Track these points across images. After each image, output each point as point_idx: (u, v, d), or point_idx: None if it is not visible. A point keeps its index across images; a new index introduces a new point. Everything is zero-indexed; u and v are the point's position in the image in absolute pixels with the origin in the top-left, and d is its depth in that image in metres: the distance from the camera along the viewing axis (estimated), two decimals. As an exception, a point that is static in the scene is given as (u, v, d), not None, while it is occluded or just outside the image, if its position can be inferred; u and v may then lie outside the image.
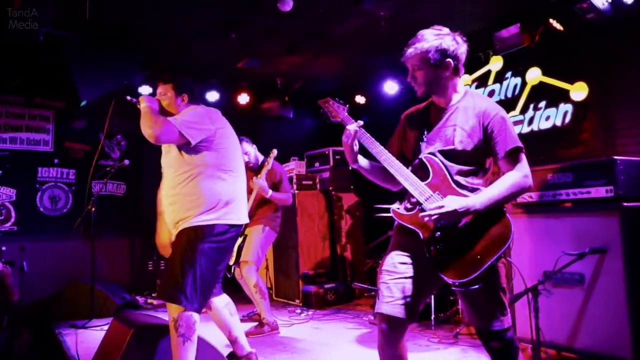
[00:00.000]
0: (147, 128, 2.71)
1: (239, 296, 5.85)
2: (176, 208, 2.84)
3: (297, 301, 5.84)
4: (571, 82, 4.70)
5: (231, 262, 4.66)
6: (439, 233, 1.96)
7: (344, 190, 6.50)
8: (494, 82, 5.49)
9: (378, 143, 2.14)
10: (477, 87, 5.65)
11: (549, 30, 4.76)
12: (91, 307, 5.03)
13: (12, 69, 5.75)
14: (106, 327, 3.34)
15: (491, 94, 5.49)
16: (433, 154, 2.07)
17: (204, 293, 2.74)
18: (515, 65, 5.25)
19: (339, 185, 6.46)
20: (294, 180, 6.27)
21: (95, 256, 5.23)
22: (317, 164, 6.68)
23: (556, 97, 4.84)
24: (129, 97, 3.02)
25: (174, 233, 2.88)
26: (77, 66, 5.29)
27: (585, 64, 4.68)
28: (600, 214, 3.06)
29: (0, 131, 6.00)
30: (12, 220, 6.00)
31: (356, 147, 2.16)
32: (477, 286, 1.90)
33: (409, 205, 2.09)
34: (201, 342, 2.94)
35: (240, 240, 4.59)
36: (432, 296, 4.45)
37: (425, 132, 2.12)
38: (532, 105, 5.07)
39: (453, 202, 1.90)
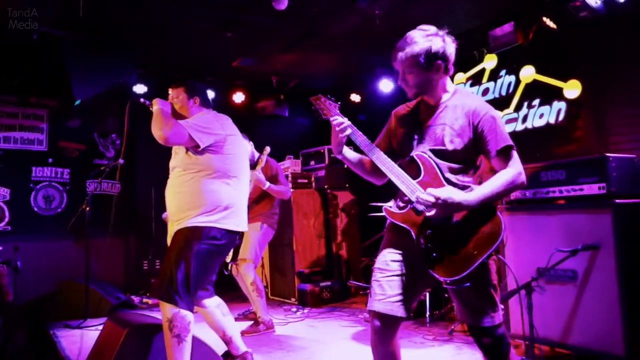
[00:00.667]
0: (157, 129, 2.74)
1: (235, 294, 5.87)
2: (176, 206, 2.87)
3: (293, 299, 5.85)
4: (565, 80, 4.71)
5: (228, 260, 4.65)
6: (430, 231, 1.96)
7: (339, 189, 6.51)
8: (489, 80, 5.50)
9: (369, 141, 2.14)
10: (471, 85, 5.67)
11: (543, 29, 4.77)
12: (86, 307, 5.02)
13: (5, 68, 5.73)
14: (101, 327, 3.34)
15: (485, 92, 5.50)
16: (424, 152, 2.07)
17: (194, 294, 2.76)
18: (510, 63, 5.26)
19: (334, 184, 6.46)
20: (290, 178, 6.27)
21: (89, 256, 5.21)
22: (312, 163, 6.68)
23: (550, 95, 4.86)
24: (142, 100, 3.08)
25: (172, 230, 2.90)
26: (71, 65, 5.27)
27: (578, 62, 4.69)
28: (593, 210, 3.08)
29: (-6, 130, 5.98)
30: (6, 219, 5.97)
31: (344, 139, 2.16)
32: (468, 284, 1.91)
33: (401, 204, 2.10)
34: (196, 341, 2.94)
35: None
36: (427, 293, 4.46)
37: (416, 130, 2.13)
38: (526, 103, 5.08)
39: (445, 194, 1.89)
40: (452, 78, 5.41)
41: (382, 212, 2.14)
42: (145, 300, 6.06)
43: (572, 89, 4.65)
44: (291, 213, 6.05)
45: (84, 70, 5.21)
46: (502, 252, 3.45)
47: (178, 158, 2.97)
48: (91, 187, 6.36)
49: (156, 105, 2.89)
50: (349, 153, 2.25)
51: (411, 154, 2.09)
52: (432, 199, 1.89)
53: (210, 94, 6.90)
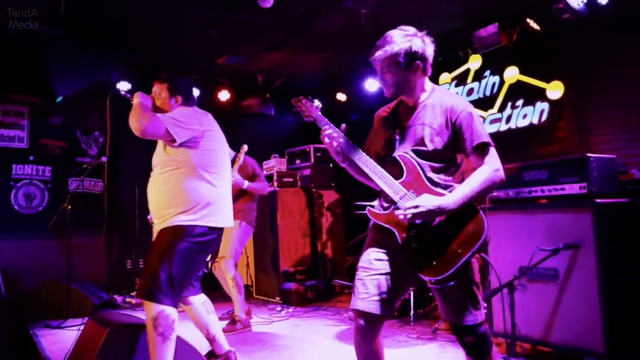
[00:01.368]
0: (134, 121, 2.73)
1: (218, 293, 5.84)
2: (158, 205, 2.86)
3: (278, 298, 5.83)
4: (547, 81, 4.77)
5: (208, 258, 4.63)
6: (414, 231, 1.97)
7: (324, 188, 6.51)
8: (473, 80, 5.54)
9: (352, 142, 2.14)
10: (456, 86, 5.71)
11: (527, 30, 4.82)
12: (67, 306, 4.96)
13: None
14: (82, 327, 3.29)
15: (470, 92, 5.54)
16: (406, 152, 2.08)
17: (178, 292, 2.74)
18: (494, 64, 5.32)
19: (319, 183, 6.46)
20: (275, 177, 6.25)
21: (71, 255, 5.14)
22: (298, 161, 6.67)
23: (533, 95, 4.92)
24: (123, 92, 3.07)
25: (156, 230, 2.88)
26: (53, 61, 5.20)
27: (561, 64, 4.76)
28: (574, 210, 3.12)
29: (-27, 127, 5.87)
30: (-14, 218, 5.87)
31: (339, 147, 2.14)
32: (452, 283, 1.92)
33: (384, 204, 2.11)
34: (179, 340, 2.92)
35: None
36: (412, 292, 4.48)
37: (397, 131, 2.14)
38: (510, 104, 5.13)
39: (428, 201, 1.91)
40: (437, 78, 5.44)
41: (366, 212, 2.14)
42: (128, 299, 6.00)
43: (555, 90, 4.71)
44: (276, 212, 6.03)
45: (65, 66, 5.14)
46: (485, 251, 3.48)
47: (157, 155, 2.95)
48: (73, 185, 6.27)
49: (137, 99, 2.88)
50: (350, 161, 2.21)
51: (393, 155, 2.10)
52: (412, 211, 1.90)
53: (195, 92, 6.85)
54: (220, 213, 2.90)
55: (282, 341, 4.14)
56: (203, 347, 3.21)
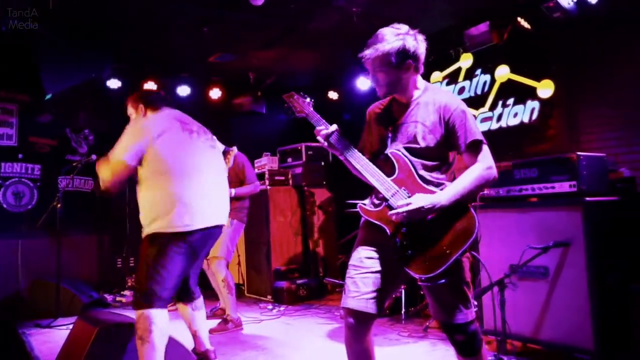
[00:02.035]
0: (105, 185, 2.80)
1: (208, 293, 5.81)
2: (142, 219, 2.86)
3: (269, 297, 5.82)
4: (538, 80, 4.79)
5: None
6: (405, 229, 1.97)
7: (316, 186, 6.50)
8: (464, 79, 5.55)
9: (345, 139, 2.13)
10: (447, 84, 5.72)
11: (518, 29, 4.84)
12: (57, 305, 4.92)
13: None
14: (72, 326, 3.27)
15: (461, 90, 5.55)
16: (398, 149, 2.07)
17: (166, 296, 2.74)
18: (485, 62, 5.32)
19: (311, 181, 6.45)
20: (266, 175, 6.24)
21: (61, 253, 5.10)
22: (289, 160, 6.66)
23: (524, 94, 4.93)
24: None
25: None
26: (42, 58, 5.14)
27: (551, 62, 4.78)
28: (564, 208, 3.14)
29: (-39, 125, 5.80)
30: (-26, 216, 5.81)
31: (333, 143, 2.12)
32: (443, 281, 1.92)
33: (376, 201, 2.10)
34: (171, 341, 2.90)
35: None
36: (403, 290, 4.49)
37: (390, 128, 2.13)
38: (500, 102, 5.15)
39: (420, 200, 1.91)
40: (428, 77, 5.45)
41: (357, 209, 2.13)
42: (118, 298, 5.97)
43: (545, 88, 4.73)
44: (268, 210, 6.02)
45: (55, 63, 5.09)
46: (476, 249, 3.49)
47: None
48: (63, 183, 6.22)
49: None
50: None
51: (385, 152, 2.09)
52: (405, 209, 1.91)
53: (186, 90, 6.82)
54: (196, 213, 2.78)
55: (274, 340, 4.14)
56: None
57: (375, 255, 2.06)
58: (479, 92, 5.40)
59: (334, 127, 2.13)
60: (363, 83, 6.54)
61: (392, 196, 2.00)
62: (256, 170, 6.21)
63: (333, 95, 7.25)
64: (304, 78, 7.06)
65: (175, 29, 5.31)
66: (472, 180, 1.97)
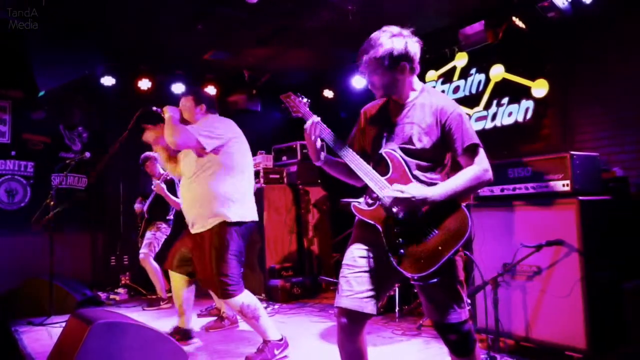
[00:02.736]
0: (169, 136, 3.22)
1: (198, 291, 5.81)
2: (198, 208, 3.41)
3: (263, 295, 5.82)
4: (533, 79, 4.81)
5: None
6: (398, 228, 1.97)
7: (311, 184, 6.50)
8: (459, 78, 5.57)
9: (338, 138, 2.14)
10: (442, 83, 5.73)
11: (512, 28, 4.85)
12: (50, 303, 4.90)
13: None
14: (65, 324, 3.25)
15: (456, 89, 5.57)
16: (393, 149, 2.07)
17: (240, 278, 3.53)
18: (480, 61, 5.34)
19: (306, 179, 6.45)
20: (261, 174, 6.23)
21: (54, 251, 5.08)
22: (284, 158, 6.65)
23: (518, 93, 4.95)
24: (154, 108, 3.44)
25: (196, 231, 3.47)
26: (35, 55, 5.11)
27: (546, 62, 4.80)
28: (558, 207, 3.15)
29: (-47, 122, 5.76)
30: (-33, 214, 5.77)
31: (319, 144, 2.16)
32: (435, 280, 1.92)
33: (369, 201, 2.10)
34: (161, 337, 2.90)
35: None
36: (397, 289, 4.50)
37: (385, 128, 2.13)
38: (495, 102, 5.16)
39: (412, 189, 1.91)
40: (423, 76, 5.46)
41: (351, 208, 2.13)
42: (112, 296, 5.95)
43: (540, 88, 4.75)
44: (263, 208, 6.01)
45: (48, 60, 5.06)
46: (469, 248, 3.50)
47: (188, 164, 3.42)
48: (56, 180, 6.19)
49: (167, 113, 3.29)
50: (327, 159, 2.22)
51: (380, 152, 2.09)
52: (398, 194, 1.91)
53: (181, 87, 6.80)
54: (248, 208, 3.46)
55: (268, 338, 4.12)
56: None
57: (369, 254, 2.06)
58: (473, 91, 5.41)
59: (317, 118, 2.15)
60: (358, 81, 6.54)
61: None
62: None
63: (328, 93, 7.25)
64: (299, 76, 7.05)
65: (168, 25, 5.29)
66: (467, 180, 1.97)
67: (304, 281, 5.86)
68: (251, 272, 6.15)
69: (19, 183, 6.09)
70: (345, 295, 2.01)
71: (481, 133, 2.07)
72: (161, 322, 4.62)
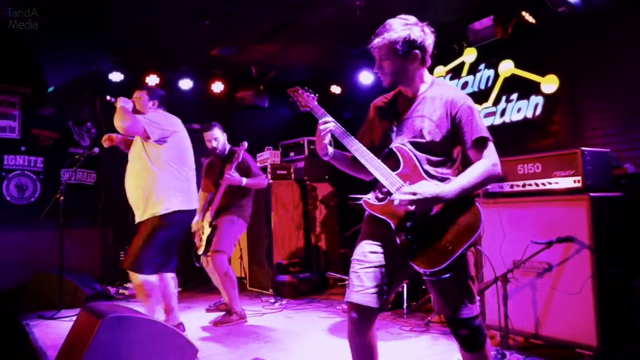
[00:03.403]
0: (118, 121, 3.51)
1: (208, 286, 5.85)
2: (137, 196, 3.68)
3: (271, 291, 5.84)
4: (542, 75, 4.77)
5: (200, 252, 4.63)
6: (409, 223, 1.96)
7: (318, 180, 6.50)
8: (468, 73, 5.54)
9: (348, 133, 2.13)
10: (451, 79, 5.70)
11: (522, 23, 4.81)
12: (60, 297, 4.94)
13: (-25, 53, 5.55)
14: (75, 318, 3.27)
15: (465, 85, 5.54)
16: (403, 144, 2.06)
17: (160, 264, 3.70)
18: (489, 57, 5.31)
19: (313, 175, 6.45)
20: (269, 169, 6.23)
21: (64, 246, 5.12)
22: (292, 154, 6.65)
23: (527, 89, 4.92)
24: (108, 97, 3.73)
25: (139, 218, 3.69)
26: (44, 51, 5.14)
27: (556, 57, 4.76)
28: (568, 203, 3.13)
29: (-36, 117, 5.81)
30: (-23, 209, 5.82)
31: (328, 139, 2.14)
32: (447, 275, 1.91)
33: (380, 196, 2.09)
34: (171, 331, 2.91)
35: (209, 230, 4.56)
36: (405, 285, 4.50)
37: (395, 122, 2.12)
38: (504, 97, 5.13)
39: (425, 189, 1.90)
40: (431, 71, 5.44)
41: (361, 203, 2.12)
42: (121, 290, 5.98)
43: (550, 83, 4.71)
44: (270, 204, 6.02)
45: (56, 56, 5.08)
46: (479, 244, 3.49)
47: (135, 151, 3.69)
48: (65, 176, 6.21)
49: (119, 103, 3.60)
50: (335, 153, 2.21)
51: (390, 146, 2.08)
52: (410, 197, 1.89)
53: (189, 83, 6.82)
54: (189, 198, 3.71)
55: (276, 333, 4.15)
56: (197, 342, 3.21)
57: (380, 249, 2.06)
58: (482, 87, 5.38)
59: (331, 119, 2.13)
60: (366, 77, 6.52)
61: (396, 190, 1.99)
62: (258, 164, 6.22)
63: (336, 89, 7.24)
64: (307, 72, 7.04)
65: (176, 21, 5.28)
66: (478, 176, 1.95)
67: (311, 277, 5.87)
68: (259, 268, 6.17)
69: (29, 178, 6.14)
70: (355, 291, 2.01)
71: (489, 129, 2.05)
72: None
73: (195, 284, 6.56)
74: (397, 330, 4.04)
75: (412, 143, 2.06)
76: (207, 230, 4.58)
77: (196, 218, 4.66)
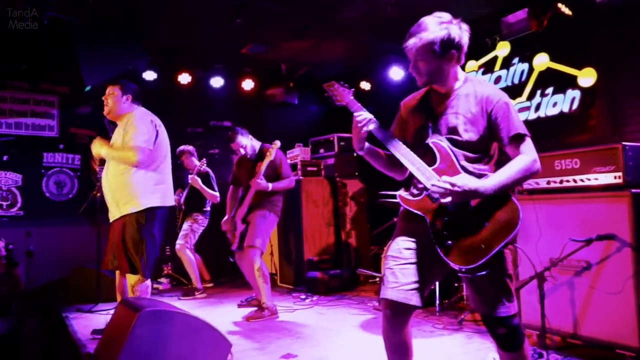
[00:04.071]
0: (128, 162, 3.46)
1: (237, 282, 5.91)
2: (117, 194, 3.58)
3: (302, 287, 5.86)
4: (579, 68, 4.64)
5: (234, 248, 4.68)
6: (446, 218, 1.94)
7: (348, 177, 6.49)
8: (501, 68, 5.43)
9: (385, 128, 2.11)
10: (483, 73, 5.60)
11: (558, 15, 4.68)
12: (97, 291, 5.08)
13: (17, 53, 5.74)
14: (112, 312, 3.37)
15: (498, 80, 5.43)
16: (440, 140, 2.04)
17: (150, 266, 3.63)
18: (523, 50, 5.19)
19: (343, 172, 6.44)
20: (299, 166, 6.26)
21: (100, 241, 5.25)
22: (321, 151, 6.66)
23: (564, 83, 4.79)
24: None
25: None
26: (81, 51, 5.27)
27: (593, 50, 4.62)
28: (608, 200, 3.04)
29: (5, 116, 6.01)
30: (18, 205, 6.03)
31: (365, 134, 2.11)
32: (484, 272, 1.88)
33: (415, 191, 2.07)
34: (206, 326, 2.96)
35: (242, 227, 4.60)
36: (437, 282, 4.45)
37: (429, 119, 2.08)
38: (539, 92, 5.02)
39: (465, 181, 1.86)
40: (463, 67, 5.39)
41: (392, 199, 2.11)
42: (155, 285, 6.10)
43: (587, 77, 4.58)
44: (300, 201, 6.05)
45: (93, 56, 5.20)
46: (515, 241, 3.42)
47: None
48: (102, 173, 6.37)
49: (103, 152, 3.64)
50: (369, 149, 2.18)
51: (427, 142, 2.06)
52: (448, 186, 1.86)
53: (220, 81, 6.89)
54: (165, 194, 3.61)
55: (307, 329, 4.17)
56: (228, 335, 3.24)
57: (415, 246, 2.04)
58: (516, 81, 5.27)
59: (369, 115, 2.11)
60: (396, 73, 6.47)
61: (432, 185, 1.96)
62: (289, 161, 6.24)
63: (365, 85, 7.21)
64: (336, 68, 7.02)
65: (207, 20, 5.35)
66: (517, 171, 1.91)
67: (342, 274, 5.87)
68: (289, 264, 6.21)
69: (67, 175, 6.33)
70: (391, 287, 2.00)
71: (524, 124, 2.01)
72: (196, 312, 4.71)
73: (226, 279, 6.65)
74: (429, 328, 4.00)
75: (448, 139, 2.03)
76: (240, 226, 4.62)
77: (227, 215, 4.72)
